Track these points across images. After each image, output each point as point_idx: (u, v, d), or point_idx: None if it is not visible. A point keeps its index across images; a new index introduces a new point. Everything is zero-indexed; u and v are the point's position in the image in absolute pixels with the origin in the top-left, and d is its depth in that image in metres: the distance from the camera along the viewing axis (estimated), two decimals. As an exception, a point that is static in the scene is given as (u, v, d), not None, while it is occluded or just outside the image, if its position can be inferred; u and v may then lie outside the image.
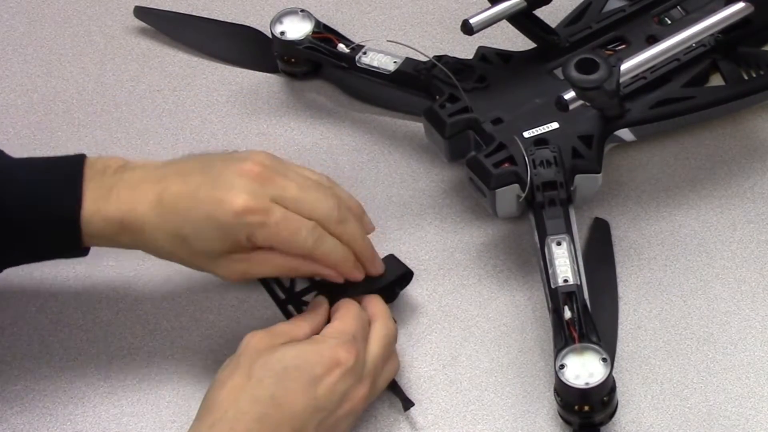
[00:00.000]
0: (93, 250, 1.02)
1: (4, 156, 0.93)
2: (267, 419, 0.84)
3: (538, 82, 1.03)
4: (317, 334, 0.91)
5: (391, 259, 0.97)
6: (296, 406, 0.85)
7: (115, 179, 0.91)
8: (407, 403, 0.92)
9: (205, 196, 0.89)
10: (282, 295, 0.98)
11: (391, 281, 0.96)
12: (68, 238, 0.91)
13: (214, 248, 0.90)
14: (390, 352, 0.92)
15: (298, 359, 0.87)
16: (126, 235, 0.91)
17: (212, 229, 0.89)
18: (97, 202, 0.89)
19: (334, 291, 0.95)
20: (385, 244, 1.01)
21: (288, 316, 0.97)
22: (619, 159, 1.05)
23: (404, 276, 0.97)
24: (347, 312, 0.92)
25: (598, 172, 0.98)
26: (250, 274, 0.93)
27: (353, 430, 0.91)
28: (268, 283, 0.98)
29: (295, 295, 0.97)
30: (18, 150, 1.05)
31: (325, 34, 1.09)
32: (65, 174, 0.91)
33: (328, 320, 0.92)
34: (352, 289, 0.94)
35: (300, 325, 0.91)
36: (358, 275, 0.94)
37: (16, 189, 0.90)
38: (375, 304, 0.94)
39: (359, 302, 0.94)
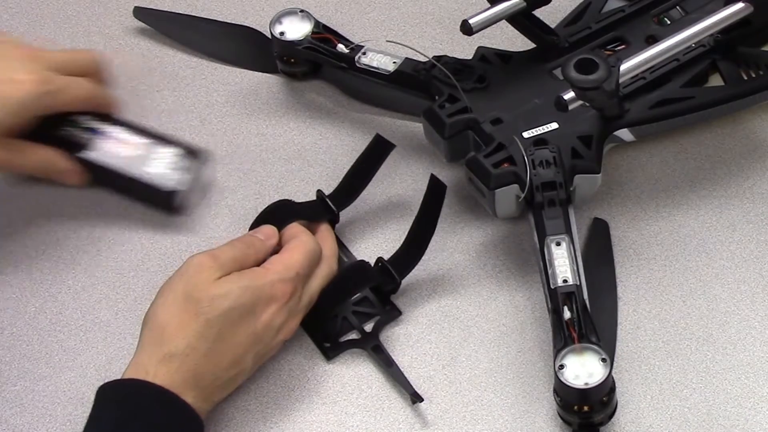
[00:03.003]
0: (93, 249, 1.03)
1: None
2: (212, 353, 0.90)
3: (537, 83, 1.03)
4: (262, 261, 0.94)
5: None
6: (238, 339, 0.91)
7: None
8: (416, 398, 0.93)
9: None
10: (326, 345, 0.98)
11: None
12: None
13: (2, 125, 0.98)
14: None
15: (243, 297, 0.90)
16: None
17: (5, 107, 0.98)
18: None
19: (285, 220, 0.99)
20: (384, 244, 1.01)
21: (327, 356, 0.97)
22: (618, 159, 1.05)
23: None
24: (297, 246, 0.95)
25: (598, 173, 0.98)
26: (10, 159, 1.02)
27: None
28: (313, 334, 0.98)
29: None
30: (18, 150, 1.05)
31: (324, 35, 1.09)
32: None
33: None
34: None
35: (246, 252, 0.94)
36: (113, 103, 1.07)
37: None
38: (327, 242, 0.98)
39: (314, 232, 0.98)
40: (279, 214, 1.00)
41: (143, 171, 1.02)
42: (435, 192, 0.97)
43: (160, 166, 1.02)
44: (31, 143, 1.03)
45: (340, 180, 1.03)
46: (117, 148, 1.03)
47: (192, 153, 1.04)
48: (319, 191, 1.01)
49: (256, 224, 1.00)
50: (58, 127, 1.04)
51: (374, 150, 1.02)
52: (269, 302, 0.91)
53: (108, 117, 1.05)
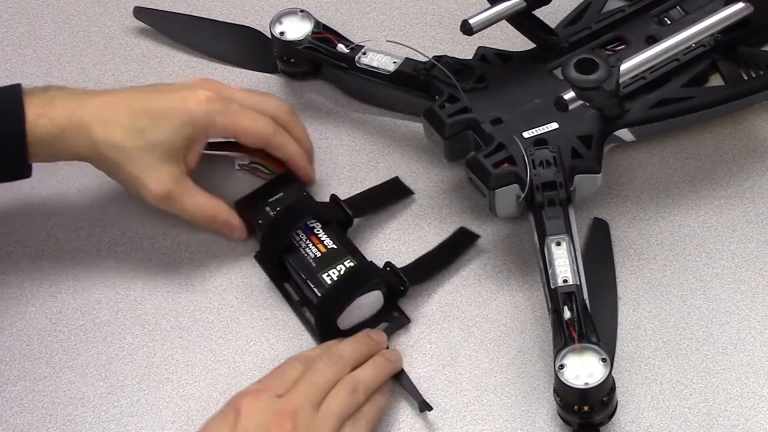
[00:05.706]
0: (93, 249, 1.03)
1: None
2: None
3: (537, 83, 1.03)
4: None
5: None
6: None
7: (59, 92, 0.97)
8: (424, 407, 0.92)
9: (166, 95, 0.98)
10: (296, 297, 0.98)
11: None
12: (12, 150, 0.95)
13: (170, 140, 0.97)
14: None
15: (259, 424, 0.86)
16: (70, 133, 0.96)
17: (174, 119, 0.97)
18: (43, 107, 0.95)
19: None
20: (384, 244, 1.01)
21: (302, 318, 0.97)
22: (618, 159, 1.05)
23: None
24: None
25: (598, 173, 0.98)
26: (175, 195, 0.98)
27: None
28: (282, 286, 0.99)
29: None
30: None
31: (324, 35, 1.09)
32: (2, 93, 0.96)
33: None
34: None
35: (282, 382, 0.89)
36: (310, 173, 1.03)
37: None
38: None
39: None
40: (297, 209, 1.00)
41: (319, 279, 0.97)
42: (462, 240, 1.00)
43: (334, 277, 0.97)
44: (197, 188, 0.99)
45: (340, 180, 1.04)
46: (308, 247, 0.98)
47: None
48: (333, 195, 1.01)
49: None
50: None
51: (394, 189, 1.04)
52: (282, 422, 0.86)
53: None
